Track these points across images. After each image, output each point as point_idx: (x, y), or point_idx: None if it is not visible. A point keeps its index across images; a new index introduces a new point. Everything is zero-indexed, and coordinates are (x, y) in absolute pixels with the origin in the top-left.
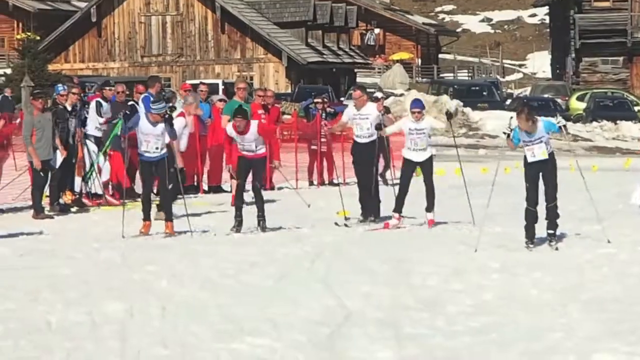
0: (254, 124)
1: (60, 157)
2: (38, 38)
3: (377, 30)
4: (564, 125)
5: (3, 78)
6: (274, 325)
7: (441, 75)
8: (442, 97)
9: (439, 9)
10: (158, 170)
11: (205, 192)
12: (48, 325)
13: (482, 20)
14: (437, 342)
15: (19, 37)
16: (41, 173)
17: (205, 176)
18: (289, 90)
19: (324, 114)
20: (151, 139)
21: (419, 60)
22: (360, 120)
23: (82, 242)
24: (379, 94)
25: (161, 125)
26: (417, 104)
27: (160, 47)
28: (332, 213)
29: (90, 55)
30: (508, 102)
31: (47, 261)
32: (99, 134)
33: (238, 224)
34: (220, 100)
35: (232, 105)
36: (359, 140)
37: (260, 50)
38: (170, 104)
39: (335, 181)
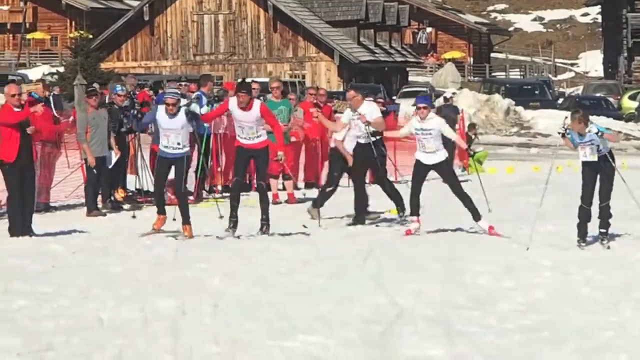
0: (257, 102)
1: (114, 156)
2: (91, 36)
3: (429, 29)
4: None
5: (56, 76)
6: (326, 323)
7: (493, 74)
8: (495, 96)
9: (491, 7)
10: (177, 169)
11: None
12: (100, 322)
13: (534, 19)
14: (489, 340)
15: (72, 35)
16: (94, 170)
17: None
18: (341, 89)
19: None
20: (171, 134)
21: (471, 59)
22: (357, 120)
23: (134, 239)
24: (448, 94)
25: (181, 119)
26: (422, 99)
27: (213, 45)
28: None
29: (142, 54)
30: (560, 101)
31: (99, 258)
32: None
33: (233, 225)
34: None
35: (269, 107)
36: (359, 140)
37: (312, 49)
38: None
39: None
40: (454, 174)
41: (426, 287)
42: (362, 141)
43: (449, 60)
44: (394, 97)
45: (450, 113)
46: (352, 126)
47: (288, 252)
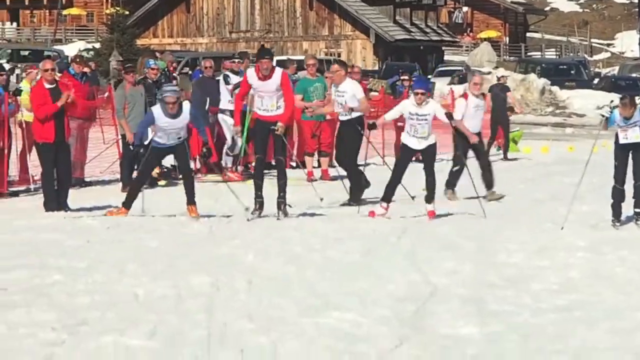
0: (278, 71)
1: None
2: (127, 13)
3: (465, 9)
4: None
5: (92, 52)
6: (360, 300)
7: (529, 53)
8: (530, 76)
9: None
10: (178, 155)
11: (292, 167)
12: (134, 297)
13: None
14: (522, 319)
15: (108, 11)
16: (130, 147)
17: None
18: (377, 67)
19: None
20: (172, 132)
21: (507, 39)
22: (337, 97)
23: (169, 215)
24: (499, 73)
25: (184, 118)
26: (421, 84)
27: (249, 23)
28: (418, 190)
29: (178, 31)
30: (595, 81)
31: (134, 234)
32: (231, 106)
33: (259, 207)
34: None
35: (304, 84)
36: (340, 118)
37: (348, 27)
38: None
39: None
40: (435, 156)
41: (460, 266)
42: (343, 118)
43: (485, 39)
44: (430, 76)
45: (499, 92)
46: (334, 102)
47: (321, 230)
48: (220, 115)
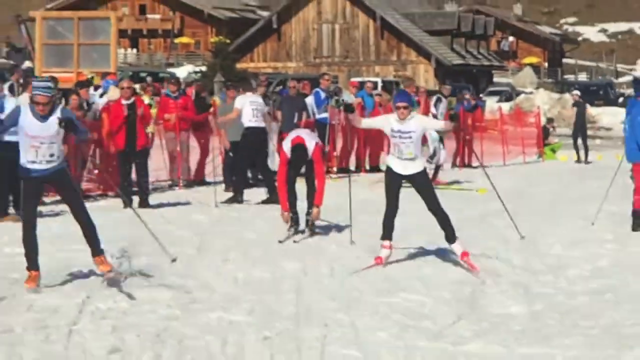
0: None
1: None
2: (228, 41)
3: (511, 38)
4: None
5: (199, 74)
6: (424, 284)
7: (564, 76)
8: (565, 95)
9: (563, 20)
10: (62, 189)
11: (366, 171)
12: (236, 280)
13: (600, 31)
14: (560, 300)
15: (212, 40)
16: (230, 153)
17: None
18: (436, 88)
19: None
20: (41, 144)
21: (546, 64)
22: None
23: (265, 210)
24: (576, 93)
25: (53, 123)
26: (403, 97)
27: (330, 49)
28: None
29: (271, 56)
30: (620, 100)
31: (235, 226)
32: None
33: (295, 223)
34: (378, 94)
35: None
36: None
37: (413, 54)
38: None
39: (474, 164)
40: (432, 187)
41: (509, 255)
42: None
43: (528, 64)
44: (481, 95)
45: (582, 109)
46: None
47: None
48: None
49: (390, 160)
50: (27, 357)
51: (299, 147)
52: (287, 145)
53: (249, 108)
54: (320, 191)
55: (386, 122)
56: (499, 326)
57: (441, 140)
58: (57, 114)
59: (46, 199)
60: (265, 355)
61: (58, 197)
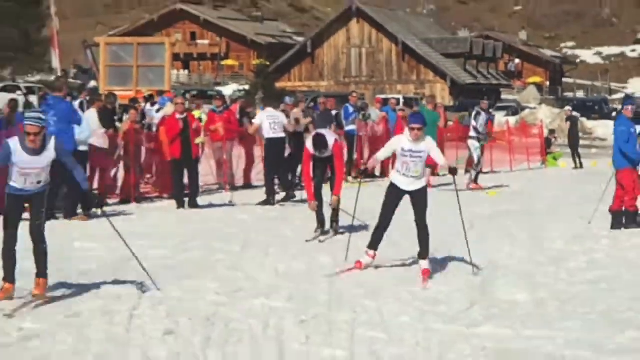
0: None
1: (288, 148)
2: (268, 63)
3: (517, 60)
4: None
5: (243, 92)
6: (441, 274)
7: (564, 94)
8: (564, 109)
9: (563, 44)
10: (32, 208)
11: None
12: (276, 271)
13: (595, 54)
14: (561, 288)
15: (254, 62)
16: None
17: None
18: (451, 104)
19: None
20: (31, 173)
21: (548, 83)
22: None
23: (302, 210)
24: (568, 109)
25: (48, 156)
26: (417, 119)
27: (357, 70)
28: (482, 193)
29: (306, 76)
30: (613, 114)
31: (275, 224)
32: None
33: (321, 225)
34: (401, 109)
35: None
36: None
37: (431, 74)
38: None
39: (484, 170)
40: (426, 204)
41: (515, 249)
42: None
43: (532, 83)
44: (491, 110)
45: (574, 122)
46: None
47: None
48: (470, 141)
49: (395, 177)
50: (93, 338)
51: (318, 135)
52: (309, 142)
53: (267, 122)
54: (339, 182)
55: (397, 143)
56: (507, 311)
57: (481, 149)
58: (51, 146)
59: (109, 201)
60: (302, 337)
61: (118, 199)
